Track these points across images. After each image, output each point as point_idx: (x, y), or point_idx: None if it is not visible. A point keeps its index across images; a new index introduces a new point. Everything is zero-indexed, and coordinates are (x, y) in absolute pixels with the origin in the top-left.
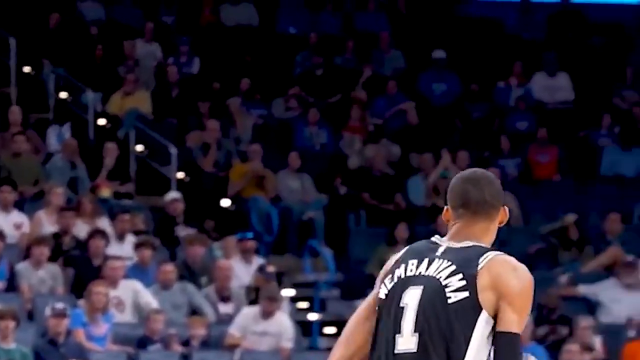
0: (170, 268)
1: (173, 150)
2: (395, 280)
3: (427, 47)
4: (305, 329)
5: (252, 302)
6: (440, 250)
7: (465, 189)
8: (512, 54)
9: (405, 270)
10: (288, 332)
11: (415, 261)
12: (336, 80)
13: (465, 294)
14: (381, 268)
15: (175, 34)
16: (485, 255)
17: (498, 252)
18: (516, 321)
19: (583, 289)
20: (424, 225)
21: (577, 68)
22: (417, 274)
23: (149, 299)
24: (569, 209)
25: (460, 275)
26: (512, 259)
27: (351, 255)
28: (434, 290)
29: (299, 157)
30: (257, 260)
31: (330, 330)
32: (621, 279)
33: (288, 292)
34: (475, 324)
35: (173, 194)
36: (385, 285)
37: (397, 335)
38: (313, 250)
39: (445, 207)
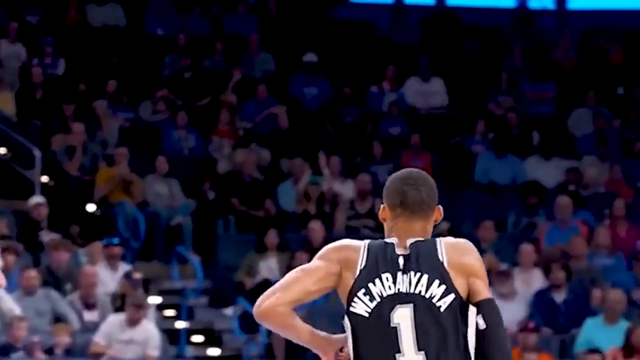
0: (33, 274)
1: (37, 154)
2: (378, 299)
3: (298, 50)
4: (172, 337)
5: (118, 309)
6: (401, 262)
7: (402, 189)
8: (385, 57)
9: (383, 286)
10: (154, 340)
11: (388, 275)
12: (205, 83)
13: (452, 296)
14: (250, 275)
15: (40, 34)
16: (436, 250)
17: (438, 240)
18: (485, 287)
19: None
20: (294, 231)
21: (451, 73)
22: (396, 291)
23: (12, 305)
24: (443, 217)
25: (438, 282)
26: (450, 238)
27: (220, 261)
28: (425, 306)
29: (167, 161)
30: (123, 267)
31: (198, 338)
32: (495, 288)
33: (155, 300)
34: (468, 319)
35: (37, 198)
36: (362, 301)
37: (397, 355)
38: (181, 256)
39: (382, 206)
